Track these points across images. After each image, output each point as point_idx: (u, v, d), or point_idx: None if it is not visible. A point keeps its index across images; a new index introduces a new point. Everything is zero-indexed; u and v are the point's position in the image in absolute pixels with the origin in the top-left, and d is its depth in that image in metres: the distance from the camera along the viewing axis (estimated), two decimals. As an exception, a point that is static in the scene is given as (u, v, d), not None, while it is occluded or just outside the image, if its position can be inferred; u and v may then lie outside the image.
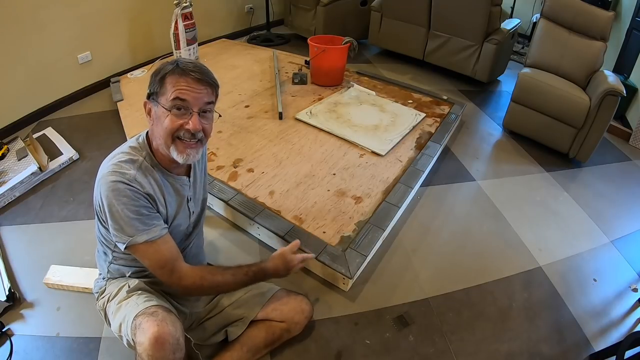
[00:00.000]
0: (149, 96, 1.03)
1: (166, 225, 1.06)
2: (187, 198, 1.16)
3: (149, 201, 1.01)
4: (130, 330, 0.98)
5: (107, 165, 1.00)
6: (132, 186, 0.97)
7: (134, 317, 0.98)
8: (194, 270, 1.08)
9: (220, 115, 1.13)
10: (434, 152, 2.20)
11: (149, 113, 1.05)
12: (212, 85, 1.02)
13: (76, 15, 2.62)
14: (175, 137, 1.00)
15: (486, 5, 2.93)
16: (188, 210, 1.18)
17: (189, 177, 1.16)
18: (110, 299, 1.13)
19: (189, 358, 1.09)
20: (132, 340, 0.97)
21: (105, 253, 1.16)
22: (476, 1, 2.95)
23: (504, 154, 2.54)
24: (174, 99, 0.97)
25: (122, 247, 1.00)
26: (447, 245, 1.81)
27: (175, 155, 1.01)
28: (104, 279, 1.20)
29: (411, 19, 3.39)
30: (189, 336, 1.04)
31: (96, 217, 1.07)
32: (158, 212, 1.05)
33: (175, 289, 1.07)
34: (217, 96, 1.06)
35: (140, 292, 1.09)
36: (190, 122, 0.98)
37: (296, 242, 1.33)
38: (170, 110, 0.98)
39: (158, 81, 1.00)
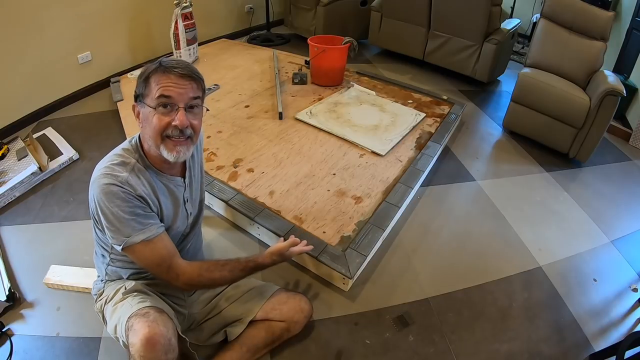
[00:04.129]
0: (136, 99, 1.03)
1: (162, 224, 1.06)
2: (184, 199, 1.16)
3: (142, 203, 1.01)
4: (124, 331, 0.98)
5: (100, 169, 1.00)
6: (124, 188, 0.96)
7: (127, 318, 0.98)
8: (191, 267, 1.08)
9: (208, 109, 1.10)
10: (434, 152, 2.20)
11: (137, 116, 1.04)
12: (196, 79, 1.00)
13: (76, 15, 2.62)
14: (164, 136, 0.99)
15: (486, 5, 2.93)
16: (186, 212, 1.18)
17: (184, 178, 1.15)
18: (107, 301, 1.13)
19: (186, 358, 1.09)
20: (126, 341, 0.98)
21: (102, 255, 1.16)
22: (476, 1, 2.95)
23: (504, 154, 2.54)
24: (159, 96, 0.96)
25: (119, 248, 1.00)
26: (447, 245, 1.81)
27: (165, 154, 1.00)
28: (102, 281, 1.21)
29: (411, 19, 3.39)
30: (184, 337, 1.04)
31: (92, 219, 1.08)
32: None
33: (175, 285, 1.07)
34: (203, 90, 1.05)
35: (135, 293, 1.08)
36: (176, 117, 0.97)
37: (293, 240, 1.33)
38: (156, 109, 0.97)
39: (143, 82, 0.99)
